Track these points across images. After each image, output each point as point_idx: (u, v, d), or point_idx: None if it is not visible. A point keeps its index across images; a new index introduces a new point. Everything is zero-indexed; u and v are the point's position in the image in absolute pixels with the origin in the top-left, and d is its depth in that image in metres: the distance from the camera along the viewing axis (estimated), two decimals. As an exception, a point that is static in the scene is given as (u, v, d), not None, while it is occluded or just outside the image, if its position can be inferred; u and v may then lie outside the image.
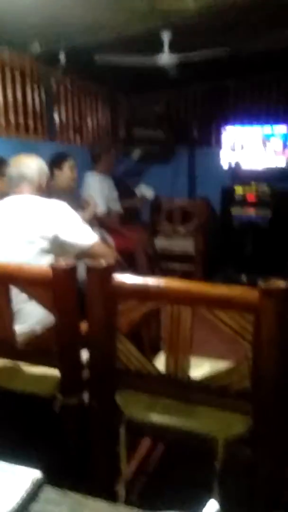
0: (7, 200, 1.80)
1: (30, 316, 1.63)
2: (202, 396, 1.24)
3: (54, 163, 3.00)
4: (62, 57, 3.26)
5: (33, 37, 3.03)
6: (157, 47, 3.00)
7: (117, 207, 3.84)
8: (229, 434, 1.27)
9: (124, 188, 4.14)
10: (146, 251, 3.71)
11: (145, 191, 4.27)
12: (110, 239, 3.51)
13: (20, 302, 1.52)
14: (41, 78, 3.53)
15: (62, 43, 3.11)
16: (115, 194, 3.83)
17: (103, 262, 1.24)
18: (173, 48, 3.02)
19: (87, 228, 1.79)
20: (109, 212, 3.63)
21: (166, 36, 2.97)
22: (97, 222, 3.51)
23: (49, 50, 3.18)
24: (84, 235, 1.75)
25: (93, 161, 3.68)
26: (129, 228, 3.75)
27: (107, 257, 1.71)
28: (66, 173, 2.98)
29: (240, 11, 2.60)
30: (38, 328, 1.46)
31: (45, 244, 1.69)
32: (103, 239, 3.36)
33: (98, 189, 3.53)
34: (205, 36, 3.10)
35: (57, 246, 1.72)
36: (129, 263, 3.52)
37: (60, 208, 1.75)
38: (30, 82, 3.42)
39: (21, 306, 1.57)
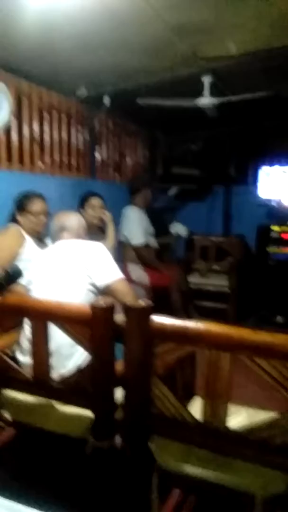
0: (50, 247, 2.00)
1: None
2: (240, 449, 1.18)
3: (80, 203, 3.08)
4: (106, 100, 3.41)
5: (80, 83, 3.20)
6: (198, 90, 3.09)
7: (153, 242, 3.87)
8: (267, 492, 1.19)
9: (159, 225, 4.19)
10: (180, 288, 3.68)
11: (179, 229, 4.29)
12: (144, 275, 3.52)
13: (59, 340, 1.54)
14: (85, 119, 3.70)
15: (107, 87, 3.26)
16: (151, 229, 3.87)
17: (141, 303, 1.24)
18: (213, 90, 3.11)
19: (114, 266, 1.85)
20: (147, 245, 3.66)
21: (206, 80, 3.05)
22: (136, 254, 3.55)
23: (94, 94, 3.35)
24: (110, 271, 1.82)
25: (132, 195, 3.76)
26: (165, 265, 3.75)
27: (128, 295, 1.77)
28: (90, 212, 3.03)
29: (279, 55, 2.65)
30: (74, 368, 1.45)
31: (87, 282, 1.79)
32: (133, 278, 3.38)
33: (138, 221, 3.59)
34: (245, 79, 3.17)
35: (93, 284, 1.80)
36: (163, 300, 3.50)
37: (95, 248, 1.88)
38: (75, 123, 3.59)
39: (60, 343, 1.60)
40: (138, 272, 3.48)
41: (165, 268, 3.64)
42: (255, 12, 2.14)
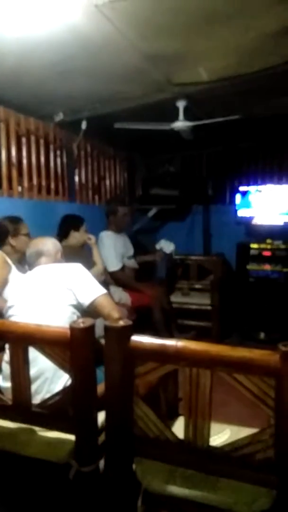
0: (30, 273, 1.98)
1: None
2: (224, 467, 1.18)
3: (73, 225, 3.12)
4: (83, 125, 3.48)
5: (57, 108, 3.26)
6: (173, 114, 3.19)
7: (132, 263, 3.89)
8: (253, 509, 1.19)
9: (141, 245, 4.23)
10: (163, 307, 3.69)
11: (165, 245, 4.32)
12: (126, 296, 3.52)
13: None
14: (63, 143, 3.74)
15: (84, 112, 3.33)
16: (130, 251, 3.89)
17: (121, 322, 1.24)
18: (188, 114, 3.21)
19: (96, 283, 1.88)
20: (123, 268, 3.68)
21: (181, 104, 3.16)
22: (112, 279, 3.55)
23: (72, 119, 3.41)
24: (93, 289, 1.85)
25: (107, 218, 3.77)
26: (146, 284, 3.76)
27: (114, 310, 1.80)
28: (82, 235, 3.14)
29: (249, 80, 2.77)
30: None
31: (71, 303, 1.80)
32: (115, 299, 3.38)
33: (112, 247, 3.60)
34: (218, 103, 3.29)
35: (78, 304, 1.81)
36: (147, 320, 3.49)
37: (75, 268, 1.90)
38: (53, 147, 3.63)
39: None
40: (120, 294, 3.49)
41: (145, 288, 3.65)
42: (223, 41, 2.24)
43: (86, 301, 1.81)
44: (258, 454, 1.12)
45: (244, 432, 1.32)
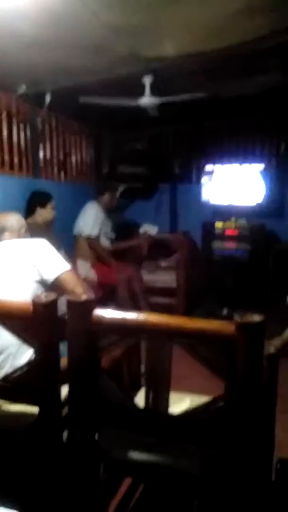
0: None
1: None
2: (181, 433, 1.23)
3: (39, 201, 3.07)
4: (47, 97, 3.38)
5: (19, 79, 3.14)
6: (139, 90, 3.15)
7: (107, 244, 3.90)
8: (206, 472, 1.25)
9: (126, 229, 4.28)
10: (133, 288, 3.73)
11: (149, 228, 4.35)
12: (93, 273, 3.53)
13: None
14: (27, 117, 3.63)
15: (48, 85, 3.23)
16: (109, 232, 3.94)
17: (83, 296, 1.25)
18: (154, 90, 3.17)
19: (61, 258, 1.88)
20: (98, 239, 3.71)
21: (147, 80, 3.12)
22: (88, 245, 3.60)
23: (35, 91, 3.30)
24: (57, 264, 1.84)
25: (97, 195, 3.86)
26: (119, 263, 3.78)
27: (78, 285, 1.80)
28: (48, 212, 3.09)
29: (216, 58, 2.77)
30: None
31: (36, 278, 1.79)
32: (81, 273, 3.40)
33: (94, 214, 3.68)
34: (185, 80, 3.27)
35: (42, 279, 1.80)
36: (112, 297, 3.52)
37: (39, 244, 1.88)
38: (16, 120, 3.52)
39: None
40: (87, 270, 3.49)
41: (116, 264, 3.68)
42: (188, 16, 2.22)
43: (50, 277, 1.81)
44: (211, 421, 1.18)
45: (202, 400, 1.38)
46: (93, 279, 3.45)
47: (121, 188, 4.59)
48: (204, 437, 1.19)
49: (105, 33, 2.36)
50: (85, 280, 3.37)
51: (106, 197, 3.85)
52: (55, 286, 1.82)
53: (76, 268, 3.45)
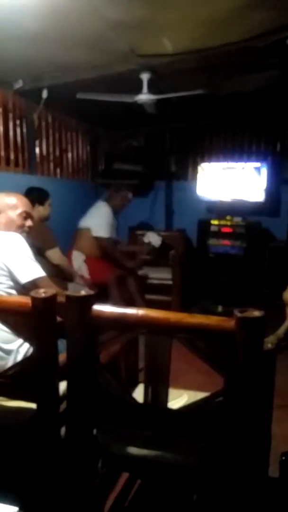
0: None
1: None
2: (180, 428, 1.24)
3: (38, 199, 3.05)
4: (44, 93, 3.36)
5: (17, 75, 3.12)
6: (137, 87, 3.14)
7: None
8: (204, 466, 1.26)
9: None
10: (127, 286, 3.73)
11: (153, 239, 4.26)
12: (85, 268, 3.52)
13: None
14: (23, 113, 3.61)
15: (45, 81, 3.21)
16: (115, 233, 3.88)
17: (83, 292, 1.25)
18: (152, 87, 3.17)
19: (33, 264, 1.72)
20: (111, 240, 3.71)
21: (145, 77, 3.11)
22: (99, 245, 3.60)
23: (32, 87, 3.28)
24: (27, 270, 1.69)
25: (109, 196, 3.82)
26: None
27: (53, 288, 1.63)
28: (45, 209, 3.10)
29: (214, 56, 2.77)
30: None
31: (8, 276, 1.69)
32: (74, 265, 3.40)
33: (107, 216, 3.66)
34: (183, 77, 3.27)
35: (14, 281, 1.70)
36: (105, 296, 3.51)
37: (12, 240, 1.74)
38: (13, 116, 3.50)
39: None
40: (80, 261, 3.49)
41: (126, 264, 3.72)
42: (187, 12, 2.22)
43: (25, 280, 1.68)
44: (212, 414, 1.18)
45: (200, 396, 1.38)
46: (84, 274, 3.44)
47: (130, 195, 4.39)
48: (202, 432, 1.19)
49: (105, 28, 2.35)
50: (79, 272, 3.38)
51: (117, 197, 3.79)
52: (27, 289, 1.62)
53: (70, 257, 3.45)
